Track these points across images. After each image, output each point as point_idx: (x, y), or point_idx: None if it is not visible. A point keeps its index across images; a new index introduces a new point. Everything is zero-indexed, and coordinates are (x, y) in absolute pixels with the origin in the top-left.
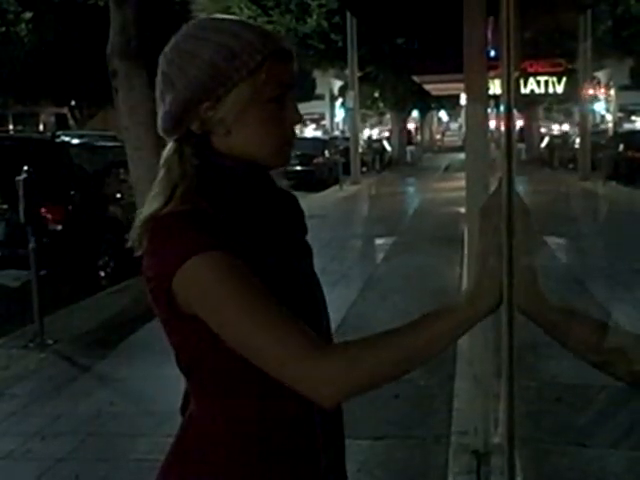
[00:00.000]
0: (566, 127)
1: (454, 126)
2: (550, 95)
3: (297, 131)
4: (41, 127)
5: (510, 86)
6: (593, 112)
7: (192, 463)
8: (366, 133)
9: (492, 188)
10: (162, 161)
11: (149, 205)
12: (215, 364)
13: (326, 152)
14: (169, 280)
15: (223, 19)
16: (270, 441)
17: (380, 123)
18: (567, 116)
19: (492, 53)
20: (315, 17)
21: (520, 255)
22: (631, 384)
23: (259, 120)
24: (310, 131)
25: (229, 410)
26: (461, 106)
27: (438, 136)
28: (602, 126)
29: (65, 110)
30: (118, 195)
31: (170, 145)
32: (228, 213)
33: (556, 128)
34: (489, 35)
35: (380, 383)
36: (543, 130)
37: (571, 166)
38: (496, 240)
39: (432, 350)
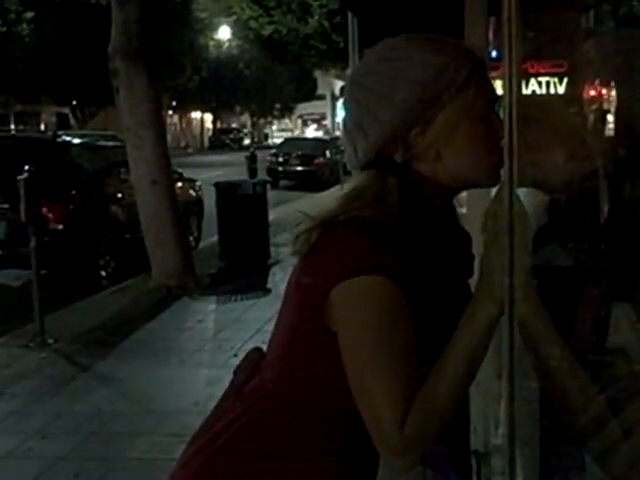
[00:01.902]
0: None
1: None
2: (551, 96)
3: (298, 131)
4: (42, 126)
5: (512, 86)
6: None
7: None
8: None
9: (493, 190)
10: (356, 184)
11: (325, 209)
12: (318, 391)
13: (327, 152)
14: (328, 289)
15: (414, 37)
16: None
17: None
18: None
19: (494, 54)
20: (316, 17)
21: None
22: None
23: (471, 140)
24: (311, 131)
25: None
26: None
27: None
28: (603, 126)
29: (66, 109)
30: (119, 195)
31: (365, 176)
32: (412, 237)
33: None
34: (490, 35)
35: (450, 416)
36: None
37: None
38: (498, 245)
39: (475, 364)
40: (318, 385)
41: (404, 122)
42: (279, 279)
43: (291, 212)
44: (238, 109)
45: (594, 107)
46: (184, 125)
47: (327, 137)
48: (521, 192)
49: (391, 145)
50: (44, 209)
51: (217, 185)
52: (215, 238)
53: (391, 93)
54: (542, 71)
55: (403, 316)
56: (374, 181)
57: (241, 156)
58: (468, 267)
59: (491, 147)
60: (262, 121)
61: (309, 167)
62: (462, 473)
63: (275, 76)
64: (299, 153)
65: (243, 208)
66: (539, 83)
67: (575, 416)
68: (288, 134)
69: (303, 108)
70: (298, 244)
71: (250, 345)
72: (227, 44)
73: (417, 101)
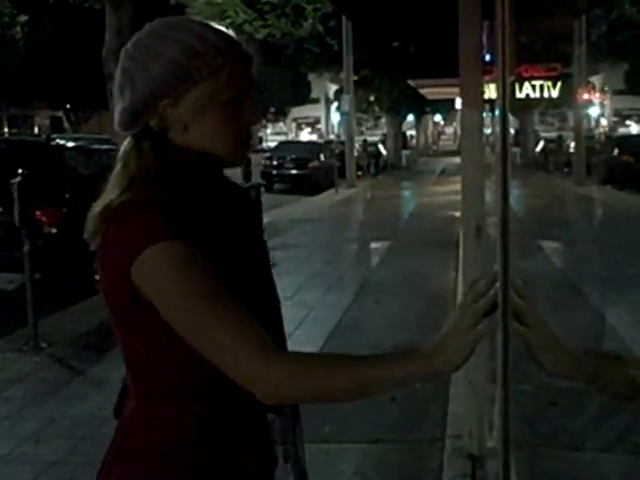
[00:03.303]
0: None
1: (449, 130)
2: (545, 99)
3: (292, 135)
4: (36, 130)
5: (505, 90)
6: (588, 116)
7: (135, 464)
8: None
9: (488, 193)
10: (119, 155)
11: (105, 197)
12: (167, 359)
13: (321, 156)
14: (128, 268)
15: (189, 20)
16: (207, 445)
17: (376, 127)
18: (562, 121)
19: (487, 57)
20: (311, 21)
21: (533, 329)
22: None
23: (216, 120)
24: (306, 135)
25: (172, 411)
26: (456, 110)
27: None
28: (596, 130)
29: (60, 113)
30: None
31: (127, 140)
32: (184, 204)
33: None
34: (484, 39)
35: (320, 400)
36: (543, 134)
37: (566, 170)
38: (476, 306)
39: (375, 389)
40: (172, 362)
41: (155, 91)
42: None
43: (285, 216)
44: None
45: None
46: None
47: (321, 140)
48: None
49: (145, 112)
50: (38, 213)
51: None
52: None
53: (149, 65)
54: (536, 75)
55: (209, 269)
56: (132, 146)
57: None
58: (253, 219)
59: (236, 128)
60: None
61: (303, 170)
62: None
63: (269, 79)
64: (293, 156)
65: None
66: (533, 87)
67: None
68: (282, 137)
69: (297, 111)
70: (90, 237)
71: None
72: None
73: (170, 76)
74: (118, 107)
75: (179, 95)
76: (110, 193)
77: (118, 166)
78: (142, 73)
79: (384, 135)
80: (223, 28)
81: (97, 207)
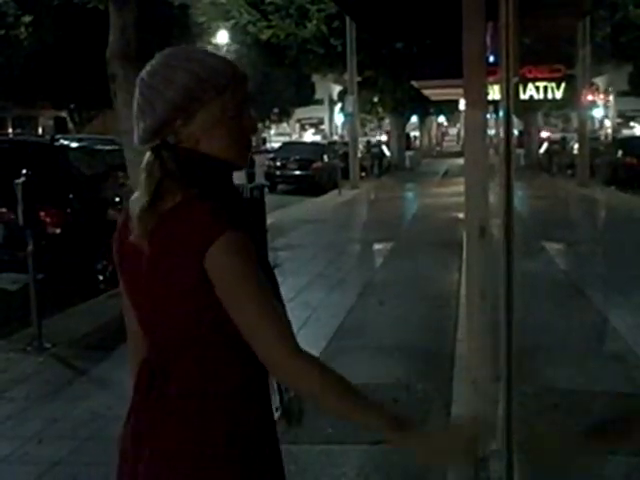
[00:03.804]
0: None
1: (453, 131)
2: (549, 101)
3: (296, 136)
4: (40, 130)
5: (509, 91)
6: (592, 118)
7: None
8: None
9: (491, 195)
10: (142, 166)
11: (138, 201)
12: (217, 337)
13: (325, 157)
14: (202, 255)
15: (194, 50)
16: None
17: (379, 128)
18: (566, 122)
19: (491, 59)
20: (314, 22)
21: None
22: None
23: (223, 134)
24: (309, 136)
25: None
26: (460, 111)
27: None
28: (600, 132)
29: (64, 113)
30: (117, 199)
31: (148, 154)
32: (222, 201)
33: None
34: (488, 40)
35: (313, 401)
36: (546, 134)
37: (569, 172)
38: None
39: (352, 421)
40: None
41: (171, 115)
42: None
43: (289, 216)
44: None
45: None
46: None
47: (325, 141)
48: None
49: (162, 130)
50: (42, 213)
51: None
52: None
53: (164, 92)
54: (540, 76)
55: (256, 260)
56: (153, 158)
57: None
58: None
59: (239, 138)
60: (260, 125)
61: (307, 171)
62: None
63: (273, 80)
64: (297, 157)
65: None
66: (537, 88)
67: None
68: (286, 138)
69: (301, 112)
70: (141, 236)
71: None
72: (225, 48)
73: (182, 100)
74: (140, 126)
75: (190, 115)
76: (142, 198)
77: (143, 176)
78: (159, 98)
79: (387, 132)
80: (222, 54)
81: (136, 211)
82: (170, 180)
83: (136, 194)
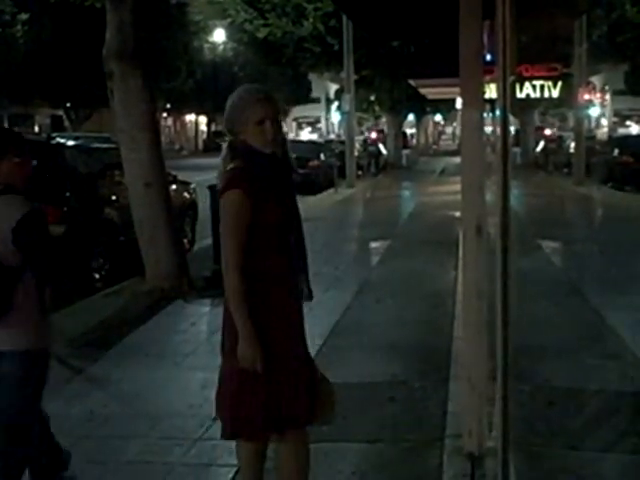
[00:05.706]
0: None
1: (449, 130)
2: (545, 99)
3: (293, 134)
4: (36, 128)
5: (506, 90)
6: (588, 117)
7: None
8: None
9: (488, 193)
10: (223, 154)
11: (223, 166)
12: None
13: (322, 155)
14: (220, 197)
15: (240, 87)
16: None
17: (376, 126)
18: (562, 121)
19: (488, 57)
20: (311, 20)
21: None
22: None
23: (255, 131)
24: (306, 134)
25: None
26: (457, 110)
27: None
28: (597, 130)
29: (60, 112)
30: (113, 197)
31: (225, 145)
32: (253, 170)
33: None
34: (485, 39)
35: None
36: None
37: (566, 170)
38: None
39: (236, 321)
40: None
41: (233, 124)
42: None
43: None
44: None
45: None
46: (178, 127)
47: (321, 140)
48: None
49: (232, 130)
50: None
51: (211, 188)
52: (209, 241)
53: (232, 113)
54: (536, 75)
55: (244, 212)
56: (230, 144)
57: None
58: (290, 188)
59: (263, 134)
60: None
61: (303, 170)
62: None
63: (270, 79)
64: (293, 156)
65: None
66: (533, 87)
67: None
68: None
69: (298, 111)
70: (219, 181)
71: None
72: (222, 47)
73: (237, 117)
74: (225, 127)
75: (243, 123)
76: (225, 164)
77: (223, 156)
78: (230, 116)
79: (378, 131)
80: (257, 86)
81: (221, 169)
82: (236, 160)
83: (223, 163)
